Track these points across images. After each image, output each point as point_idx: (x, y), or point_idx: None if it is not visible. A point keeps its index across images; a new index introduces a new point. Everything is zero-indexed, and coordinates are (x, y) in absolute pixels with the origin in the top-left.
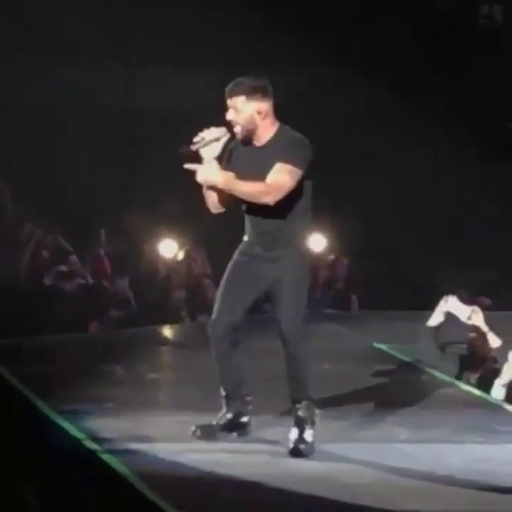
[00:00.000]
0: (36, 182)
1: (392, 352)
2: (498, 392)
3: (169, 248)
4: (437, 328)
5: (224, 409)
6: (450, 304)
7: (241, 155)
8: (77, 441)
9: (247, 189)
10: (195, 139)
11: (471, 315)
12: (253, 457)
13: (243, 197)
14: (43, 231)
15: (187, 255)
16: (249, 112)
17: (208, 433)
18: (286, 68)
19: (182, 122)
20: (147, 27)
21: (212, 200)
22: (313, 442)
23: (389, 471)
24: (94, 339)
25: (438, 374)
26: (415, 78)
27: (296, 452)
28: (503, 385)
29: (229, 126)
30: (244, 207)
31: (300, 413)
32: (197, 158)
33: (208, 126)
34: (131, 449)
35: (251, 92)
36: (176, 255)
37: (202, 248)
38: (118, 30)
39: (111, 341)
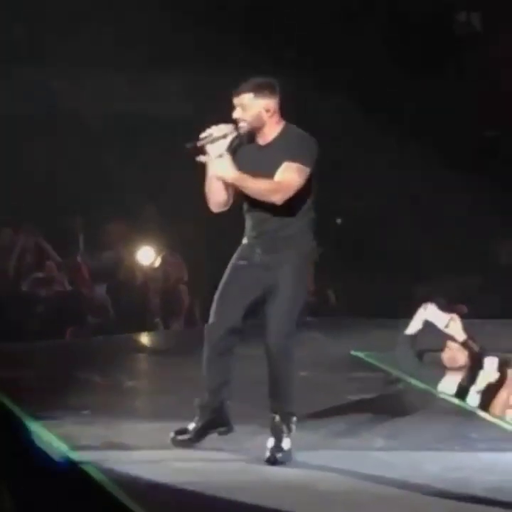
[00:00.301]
0: (13, 187)
1: (369, 360)
2: (473, 399)
3: (147, 255)
4: (415, 336)
5: (202, 413)
6: (428, 312)
7: (245, 153)
8: (54, 449)
9: (256, 187)
10: (202, 135)
11: (449, 323)
12: (230, 465)
13: (252, 194)
14: (25, 235)
15: (164, 261)
16: (257, 109)
17: (186, 439)
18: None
19: (159, 128)
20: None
21: (215, 198)
22: (290, 450)
23: (365, 479)
24: (71, 346)
25: (414, 382)
26: (393, 85)
27: (272, 460)
28: (478, 392)
29: (235, 124)
30: (245, 206)
31: (277, 421)
32: (203, 154)
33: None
34: (108, 456)
35: (259, 89)
36: (153, 262)
37: (178, 254)
38: (92, 33)
39: (88, 348)
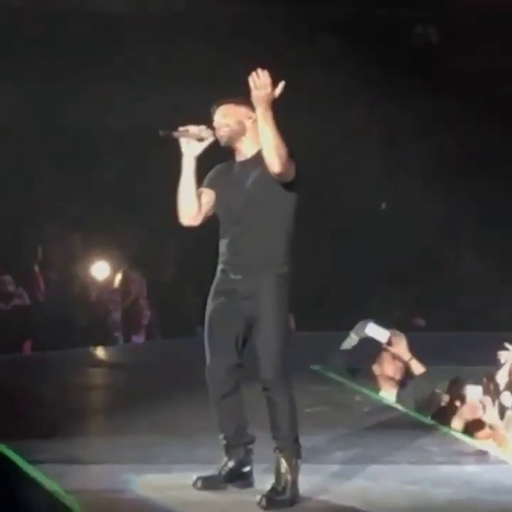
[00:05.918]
0: None
1: (327, 373)
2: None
3: (102, 270)
4: (350, 351)
5: (225, 459)
6: (368, 329)
7: (224, 170)
8: (12, 464)
9: (276, 134)
10: (180, 128)
11: (393, 340)
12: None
13: (267, 139)
14: None
15: (125, 276)
16: (239, 116)
17: (209, 484)
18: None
19: (123, 143)
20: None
21: (186, 205)
22: (292, 495)
23: (322, 492)
24: (28, 359)
25: (373, 395)
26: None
27: (262, 503)
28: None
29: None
30: (221, 228)
31: (279, 462)
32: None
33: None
34: (66, 470)
35: (241, 100)
36: (109, 277)
37: (139, 270)
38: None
39: (45, 362)
